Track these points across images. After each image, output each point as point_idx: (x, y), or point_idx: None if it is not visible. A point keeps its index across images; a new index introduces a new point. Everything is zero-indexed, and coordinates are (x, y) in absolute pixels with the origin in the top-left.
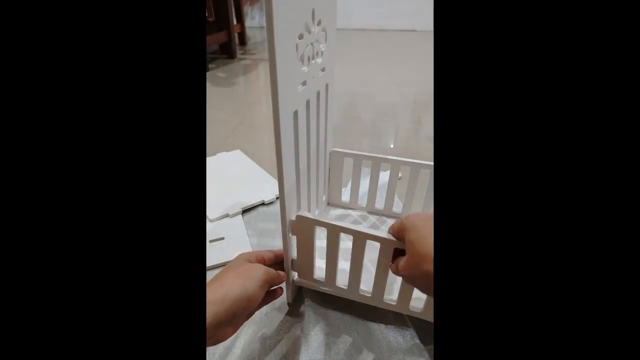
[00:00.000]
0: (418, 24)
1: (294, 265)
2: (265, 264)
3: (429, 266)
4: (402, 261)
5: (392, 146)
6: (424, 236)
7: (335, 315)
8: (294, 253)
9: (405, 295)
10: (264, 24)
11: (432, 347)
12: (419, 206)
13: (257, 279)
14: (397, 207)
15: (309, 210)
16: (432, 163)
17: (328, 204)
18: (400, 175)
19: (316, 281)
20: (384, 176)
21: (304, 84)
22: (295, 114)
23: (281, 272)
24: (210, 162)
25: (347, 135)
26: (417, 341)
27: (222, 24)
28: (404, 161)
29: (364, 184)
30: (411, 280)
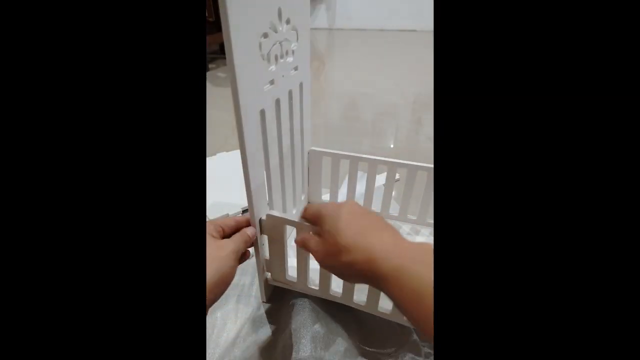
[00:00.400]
0: (418, 24)
1: (267, 264)
2: (226, 233)
3: (349, 257)
4: (314, 244)
5: (392, 146)
6: (344, 227)
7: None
8: (266, 253)
9: (373, 296)
10: None
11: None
12: (396, 206)
13: (228, 258)
14: (376, 206)
15: (284, 210)
16: (410, 162)
17: (308, 202)
18: (398, 176)
19: (288, 281)
20: (380, 178)
21: (271, 82)
22: (262, 112)
23: (248, 232)
24: (210, 162)
25: (347, 135)
26: (415, 337)
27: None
28: (382, 160)
29: (346, 185)
30: (329, 268)
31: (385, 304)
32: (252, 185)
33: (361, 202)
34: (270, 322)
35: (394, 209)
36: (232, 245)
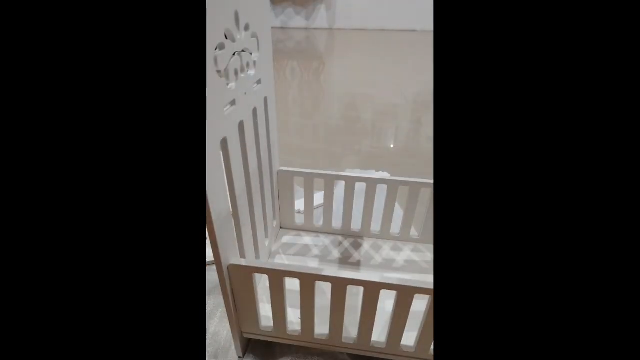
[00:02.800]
0: (418, 24)
1: (238, 316)
2: None
3: None
4: None
5: (392, 146)
6: None
7: None
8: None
9: (365, 335)
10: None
11: None
12: (377, 224)
13: None
14: (356, 225)
15: (255, 248)
16: (388, 177)
17: (281, 227)
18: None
19: (263, 332)
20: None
21: (232, 103)
22: (224, 141)
23: None
24: None
25: (347, 136)
26: None
27: None
28: (359, 177)
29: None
30: None
31: (377, 337)
32: (216, 227)
33: (339, 220)
34: None
35: (356, 223)
36: None
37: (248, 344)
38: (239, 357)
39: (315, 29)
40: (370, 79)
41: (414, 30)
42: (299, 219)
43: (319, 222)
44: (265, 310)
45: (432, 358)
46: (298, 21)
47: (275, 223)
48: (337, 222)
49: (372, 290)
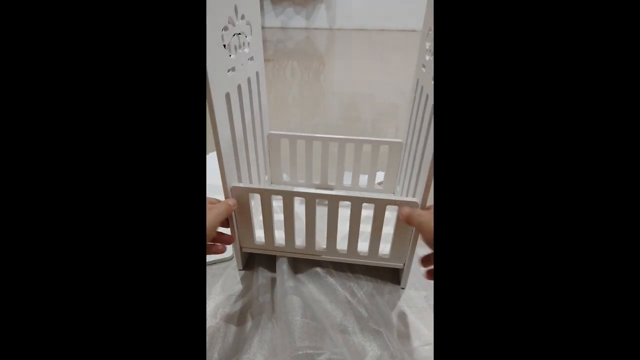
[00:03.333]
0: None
1: (239, 235)
2: (213, 204)
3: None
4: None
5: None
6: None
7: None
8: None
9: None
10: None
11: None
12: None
13: (212, 219)
14: (332, 180)
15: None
16: (361, 138)
17: (271, 183)
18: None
19: (257, 245)
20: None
21: (232, 69)
22: (227, 95)
23: (229, 201)
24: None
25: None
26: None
27: None
28: (333, 138)
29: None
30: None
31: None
32: (224, 159)
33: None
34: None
35: (331, 179)
36: (216, 210)
37: (247, 261)
38: (239, 269)
39: (315, 28)
40: (370, 79)
41: (413, 30)
42: (285, 176)
43: (302, 178)
44: (259, 233)
45: (402, 265)
46: (298, 21)
47: (266, 177)
48: (316, 179)
49: (334, 203)
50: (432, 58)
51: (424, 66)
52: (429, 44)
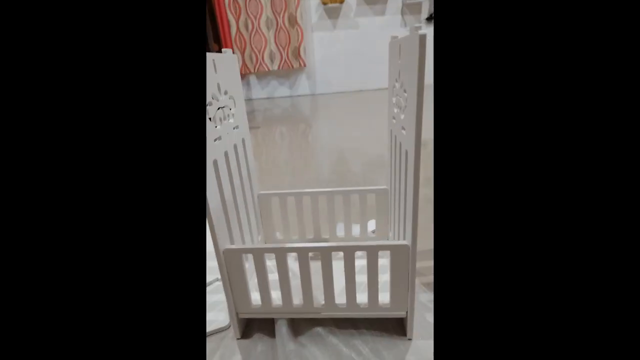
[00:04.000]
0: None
1: (234, 299)
2: None
3: None
4: None
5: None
6: None
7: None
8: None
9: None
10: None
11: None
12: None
13: None
14: (325, 233)
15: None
16: (354, 188)
17: (265, 242)
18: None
19: (254, 309)
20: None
21: (218, 139)
22: (215, 162)
23: None
24: None
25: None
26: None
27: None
28: (321, 191)
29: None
30: None
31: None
32: (215, 222)
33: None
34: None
35: (325, 232)
36: None
37: (245, 328)
38: (237, 338)
39: (298, 95)
40: (354, 135)
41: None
42: (279, 235)
43: (295, 236)
44: (254, 296)
45: (405, 314)
46: (282, 91)
47: (260, 237)
48: (310, 233)
49: (326, 255)
50: (399, 110)
51: (394, 118)
52: (395, 99)
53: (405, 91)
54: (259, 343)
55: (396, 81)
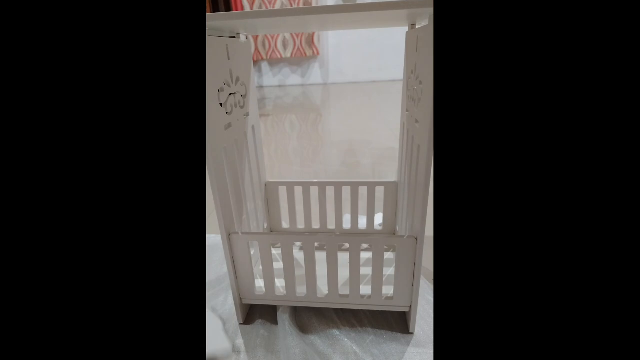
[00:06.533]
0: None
1: (238, 286)
2: None
3: None
4: None
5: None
6: None
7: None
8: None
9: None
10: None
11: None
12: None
13: None
14: (331, 224)
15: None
16: (354, 180)
17: (271, 231)
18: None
19: (258, 296)
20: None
21: (229, 126)
22: (225, 149)
23: None
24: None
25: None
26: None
27: None
28: (329, 182)
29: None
30: None
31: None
32: (222, 208)
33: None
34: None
35: (331, 223)
36: None
37: (248, 313)
38: (240, 324)
39: (310, 84)
40: (365, 126)
41: (402, 80)
42: (285, 223)
43: (301, 225)
44: (259, 283)
45: (409, 308)
46: (294, 79)
47: (265, 225)
48: (315, 224)
49: (332, 245)
50: (412, 103)
51: (407, 110)
52: (409, 91)
53: (421, 82)
54: (261, 329)
55: (412, 72)
